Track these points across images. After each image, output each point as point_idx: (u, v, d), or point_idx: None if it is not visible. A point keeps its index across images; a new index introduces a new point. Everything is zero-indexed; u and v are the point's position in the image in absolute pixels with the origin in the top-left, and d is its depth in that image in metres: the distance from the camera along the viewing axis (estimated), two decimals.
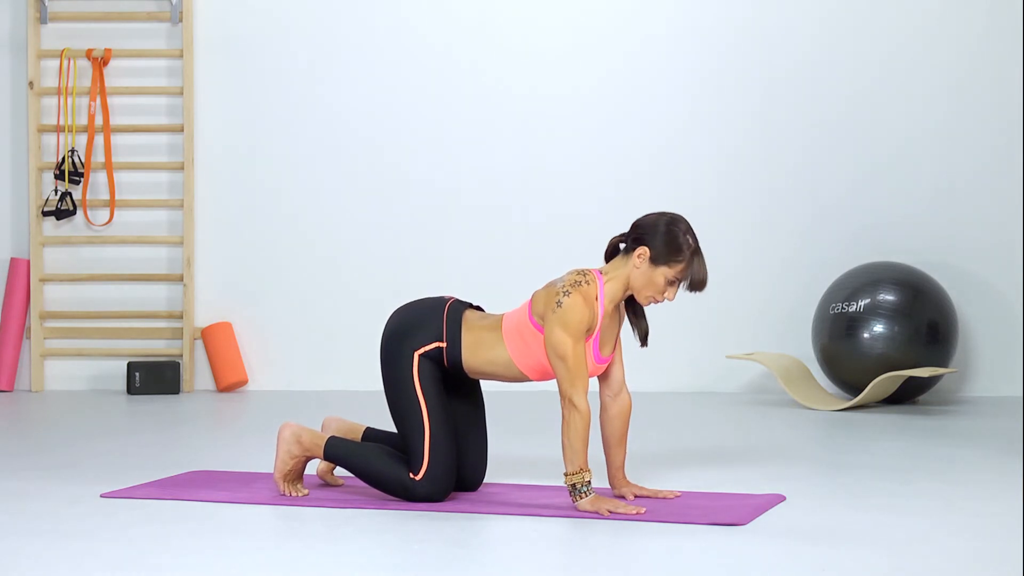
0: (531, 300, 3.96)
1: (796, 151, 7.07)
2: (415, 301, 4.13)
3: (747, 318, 7.09)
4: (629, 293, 3.96)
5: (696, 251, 3.90)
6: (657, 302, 3.92)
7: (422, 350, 3.99)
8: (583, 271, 3.92)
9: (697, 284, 3.91)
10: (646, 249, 3.88)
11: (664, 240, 3.88)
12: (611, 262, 3.97)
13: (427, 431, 3.95)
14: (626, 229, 3.98)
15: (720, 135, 7.09)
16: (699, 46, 7.10)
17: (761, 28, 7.07)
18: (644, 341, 4.04)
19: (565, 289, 3.87)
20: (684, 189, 7.07)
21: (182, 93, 7.16)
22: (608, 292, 3.93)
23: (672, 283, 3.89)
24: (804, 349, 6.87)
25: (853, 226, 7.02)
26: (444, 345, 3.99)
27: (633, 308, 4.03)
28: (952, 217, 7.02)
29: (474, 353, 3.99)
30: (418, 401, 3.97)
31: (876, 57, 7.03)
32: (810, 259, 7.04)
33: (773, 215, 7.08)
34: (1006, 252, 6.98)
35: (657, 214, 3.94)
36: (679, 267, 3.88)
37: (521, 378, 4.00)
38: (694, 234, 3.91)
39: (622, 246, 3.96)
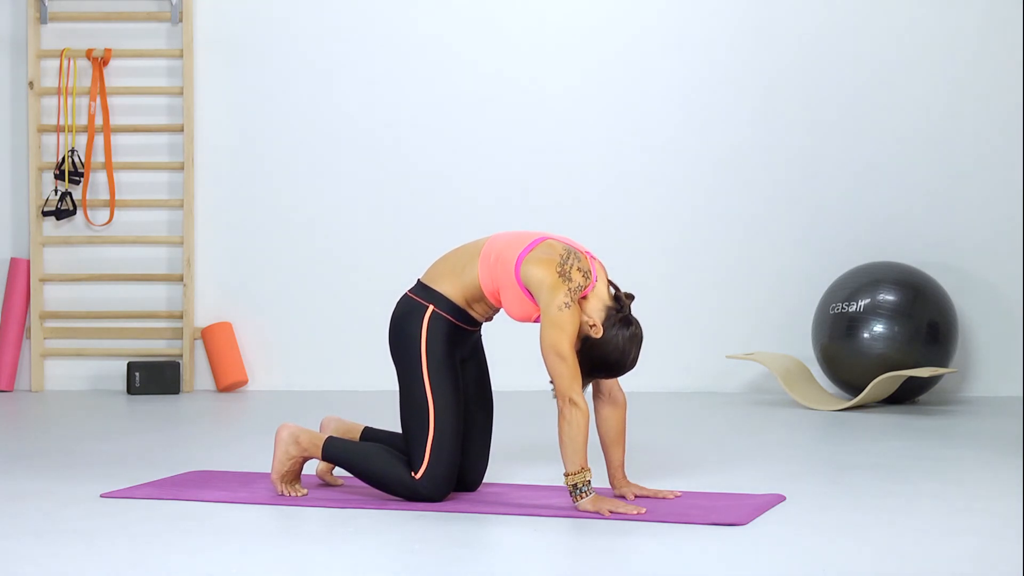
0: (522, 262, 3.89)
1: (796, 150, 7.07)
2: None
3: (747, 318, 7.08)
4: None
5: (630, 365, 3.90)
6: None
7: (424, 325, 3.98)
8: (587, 272, 3.90)
9: (615, 367, 3.89)
10: (601, 329, 3.85)
11: (614, 350, 3.85)
12: (600, 282, 3.93)
13: (431, 430, 3.94)
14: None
15: (720, 133, 7.08)
16: (698, 44, 7.09)
17: (761, 26, 7.07)
18: None
19: (573, 296, 3.85)
20: (683, 187, 7.08)
21: (182, 93, 7.16)
22: (584, 304, 3.91)
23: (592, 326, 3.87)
24: (804, 349, 6.87)
25: (853, 226, 7.02)
26: (433, 307, 3.99)
27: None
28: (952, 217, 7.02)
29: (454, 284, 3.99)
30: (427, 399, 3.96)
31: (875, 56, 7.03)
32: (810, 259, 7.03)
33: (773, 215, 7.08)
34: (1006, 252, 6.98)
35: (625, 321, 3.87)
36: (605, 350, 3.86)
37: (487, 304, 4.00)
38: (637, 355, 3.89)
39: (612, 290, 3.94)
